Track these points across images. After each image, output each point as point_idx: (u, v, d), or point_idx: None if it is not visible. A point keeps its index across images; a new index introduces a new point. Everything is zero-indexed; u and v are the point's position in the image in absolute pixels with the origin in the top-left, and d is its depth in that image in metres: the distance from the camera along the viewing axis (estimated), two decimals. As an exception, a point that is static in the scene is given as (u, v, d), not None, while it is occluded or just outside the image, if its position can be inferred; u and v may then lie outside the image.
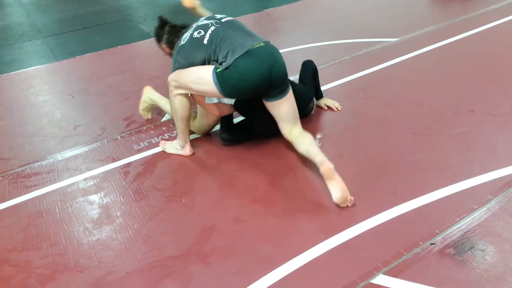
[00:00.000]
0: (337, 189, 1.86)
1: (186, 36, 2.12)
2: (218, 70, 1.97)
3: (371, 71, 3.08)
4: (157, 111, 2.79)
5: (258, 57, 1.96)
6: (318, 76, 2.60)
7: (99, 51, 3.85)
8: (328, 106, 2.63)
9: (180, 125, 2.22)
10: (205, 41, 2.02)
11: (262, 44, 2.02)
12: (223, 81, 1.95)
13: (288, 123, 2.12)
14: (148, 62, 3.62)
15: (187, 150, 2.30)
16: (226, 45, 1.97)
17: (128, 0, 5.46)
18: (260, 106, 2.17)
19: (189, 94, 2.18)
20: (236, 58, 1.93)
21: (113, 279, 1.64)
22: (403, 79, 2.99)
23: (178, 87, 2.10)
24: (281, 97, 2.07)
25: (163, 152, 2.37)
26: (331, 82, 2.95)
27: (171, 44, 2.28)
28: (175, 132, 2.50)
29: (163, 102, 2.56)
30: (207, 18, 2.17)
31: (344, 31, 3.84)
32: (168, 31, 2.29)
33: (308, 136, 2.08)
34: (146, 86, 2.66)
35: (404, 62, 3.19)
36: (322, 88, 2.83)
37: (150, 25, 4.52)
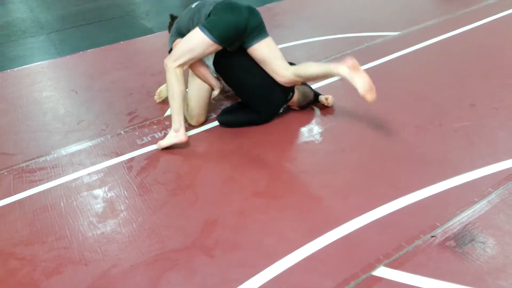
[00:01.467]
0: (364, 80, 2.03)
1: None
2: (203, 23, 2.22)
3: (372, 65, 3.08)
4: (159, 106, 2.80)
5: (235, 4, 2.27)
6: None
7: (102, 47, 3.86)
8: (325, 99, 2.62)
9: (175, 104, 2.26)
10: (193, 6, 2.38)
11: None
12: (210, 26, 2.19)
13: (280, 61, 2.30)
14: (151, 57, 3.63)
15: (181, 134, 2.26)
16: (208, 4, 2.29)
17: (130, -5, 5.46)
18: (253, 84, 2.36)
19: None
20: (217, 4, 2.25)
21: (118, 272, 1.67)
22: (404, 73, 2.99)
23: (173, 60, 2.25)
24: (262, 38, 2.29)
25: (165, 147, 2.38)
26: (333, 76, 2.94)
27: (180, 34, 2.43)
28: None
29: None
30: None
31: (346, 25, 3.83)
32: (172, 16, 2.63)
33: (307, 62, 2.32)
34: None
35: (406, 56, 3.19)
36: (324, 82, 2.84)
37: (153, 21, 4.53)
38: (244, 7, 2.27)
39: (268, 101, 2.42)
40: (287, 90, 2.43)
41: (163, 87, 2.79)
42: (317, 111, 2.62)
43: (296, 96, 2.51)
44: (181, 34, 2.36)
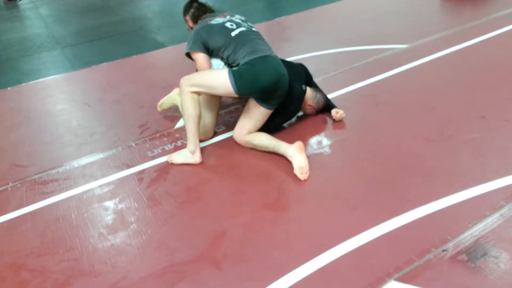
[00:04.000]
0: (302, 162, 2.16)
1: (218, 20, 2.37)
2: (234, 69, 2.21)
3: (381, 77, 3.08)
4: (170, 118, 2.84)
5: (272, 63, 2.25)
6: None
7: (114, 61, 3.94)
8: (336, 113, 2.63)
9: (191, 126, 2.27)
10: (233, 34, 2.30)
11: (276, 57, 2.33)
12: (239, 76, 2.19)
13: (253, 122, 2.37)
14: (162, 71, 3.69)
15: (197, 157, 2.31)
16: (248, 46, 2.26)
17: (143, 10, 5.58)
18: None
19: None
20: (255, 58, 2.21)
21: (127, 284, 1.67)
22: (413, 85, 2.98)
23: (190, 85, 2.25)
24: (274, 107, 2.35)
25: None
26: (342, 89, 2.96)
27: (194, 19, 2.54)
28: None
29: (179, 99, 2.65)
30: (241, 20, 2.43)
31: (354, 38, 3.85)
32: (196, 7, 2.56)
33: (263, 134, 2.39)
34: (176, 88, 2.75)
35: (415, 69, 3.19)
36: (334, 94, 2.85)
37: (164, 35, 4.61)
38: (280, 67, 2.27)
39: (291, 96, 2.45)
40: (300, 83, 2.51)
41: (164, 99, 2.80)
42: (326, 123, 2.62)
43: (309, 91, 2.56)
44: (206, 47, 2.34)
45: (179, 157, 2.34)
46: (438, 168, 2.13)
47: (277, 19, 4.61)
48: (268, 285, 1.60)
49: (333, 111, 2.61)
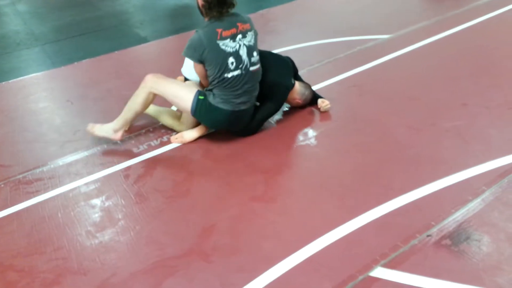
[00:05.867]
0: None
1: (226, 45, 2.22)
2: (200, 97, 2.29)
3: (365, 68, 3.11)
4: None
5: (231, 117, 2.31)
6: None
7: (96, 57, 3.87)
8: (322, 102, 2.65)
9: (129, 116, 2.38)
10: (228, 75, 2.25)
11: (245, 108, 2.33)
12: (200, 108, 2.29)
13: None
14: (145, 66, 3.65)
15: (118, 135, 2.42)
16: (228, 92, 2.27)
17: (124, 5, 5.49)
18: None
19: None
20: (224, 106, 2.28)
21: (117, 280, 1.67)
22: (396, 74, 3.02)
23: (155, 88, 2.30)
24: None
25: (162, 154, 2.40)
26: (326, 80, 2.98)
27: (207, 10, 2.24)
28: (174, 133, 2.53)
29: (150, 110, 2.58)
30: (248, 48, 2.27)
31: (338, 29, 3.87)
32: (215, 2, 2.21)
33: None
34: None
35: (397, 58, 3.22)
36: (318, 86, 2.86)
37: (147, 30, 4.55)
38: (239, 123, 2.38)
39: (280, 85, 2.47)
40: (290, 77, 2.52)
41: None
42: (312, 115, 2.64)
43: (297, 85, 2.56)
44: (202, 62, 2.27)
45: (101, 131, 2.44)
46: (421, 156, 2.18)
47: (261, 12, 4.59)
48: (257, 276, 1.62)
49: (319, 101, 2.63)
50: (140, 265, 1.73)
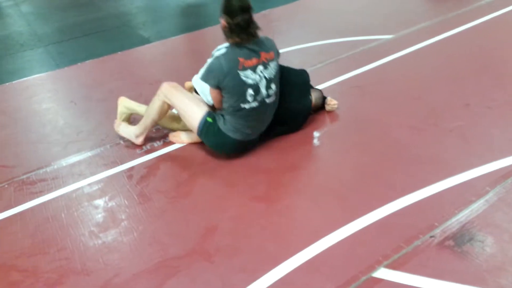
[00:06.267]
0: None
1: (246, 76, 2.10)
2: (208, 119, 2.23)
3: (367, 68, 3.11)
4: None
5: (238, 146, 2.27)
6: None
7: (99, 58, 3.89)
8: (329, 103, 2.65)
9: (148, 123, 2.39)
10: (245, 106, 2.16)
11: (254, 138, 2.31)
12: (207, 130, 2.24)
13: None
14: (148, 67, 3.66)
15: (139, 141, 2.45)
16: (242, 121, 2.20)
17: (127, 6, 5.51)
18: None
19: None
20: (232, 135, 2.21)
21: (120, 281, 1.68)
22: (399, 75, 3.02)
23: (168, 99, 2.29)
24: None
25: (165, 155, 2.40)
26: (329, 80, 2.98)
27: (228, 34, 2.11)
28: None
29: (142, 109, 2.55)
30: (268, 81, 2.17)
31: (340, 30, 3.87)
32: (239, 24, 2.06)
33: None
34: (120, 97, 2.67)
35: (400, 59, 3.22)
36: (321, 86, 2.86)
37: (149, 30, 4.56)
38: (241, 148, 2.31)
39: (303, 110, 2.47)
40: (308, 94, 2.50)
41: (121, 115, 2.65)
42: (313, 115, 2.64)
43: (314, 100, 2.55)
44: (219, 88, 2.14)
45: (125, 132, 2.49)
46: (424, 156, 2.17)
47: (263, 12, 4.60)
48: (260, 276, 1.62)
49: (328, 99, 2.62)
50: (143, 265, 1.73)
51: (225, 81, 2.10)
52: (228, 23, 2.08)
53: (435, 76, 2.94)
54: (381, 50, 3.37)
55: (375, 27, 3.83)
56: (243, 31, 2.08)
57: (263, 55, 2.14)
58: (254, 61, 2.11)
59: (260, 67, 2.13)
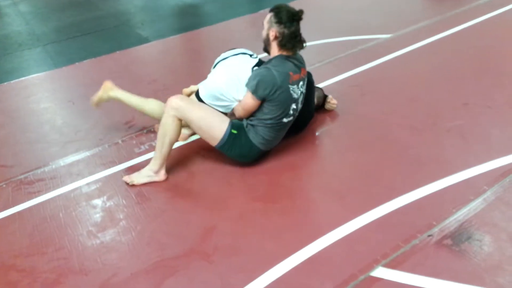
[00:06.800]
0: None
1: (293, 91, 2.08)
2: (233, 131, 2.10)
3: (366, 67, 3.11)
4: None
5: (258, 155, 2.20)
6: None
7: (98, 57, 3.88)
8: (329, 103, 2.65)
9: (165, 149, 2.11)
10: (284, 119, 2.13)
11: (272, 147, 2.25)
12: (231, 141, 2.10)
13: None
14: (146, 66, 3.66)
15: (161, 175, 2.17)
16: (272, 132, 2.13)
17: (125, 5, 5.51)
18: None
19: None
20: (260, 145, 2.14)
21: (118, 280, 1.67)
22: (398, 74, 3.02)
23: (180, 115, 2.08)
24: None
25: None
26: (328, 80, 2.98)
27: (279, 46, 2.07)
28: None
29: (132, 101, 2.48)
30: (302, 97, 2.18)
31: (339, 29, 3.87)
32: (293, 33, 2.05)
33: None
34: (106, 82, 2.56)
35: (399, 58, 3.22)
36: (320, 86, 2.86)
37: (148, 30, 4.56)
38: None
39: (310, 114, 2.47)
40: (313, 101, 2.48)
41: (99, 99, 2.58)
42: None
43: (316, 99, 2.55)
44: (263, 101, 2.06)
45: (141, 177, 2.17)
46: (422, 156, 2.17)
47: (261, 11, 4.59)
48: (258, 275, 1.62)
49: (329, 97, 2.62)
50: (141, 265, 1.73)
51: (276, 94, 2.03)
52: (281, 33, 2.04)
53: (434, 75, 2.94)
54: (380, 49, 3.37)
55: (374, 26, 3.84)
56: (296, 40, 2.06)
57: (303, 70, 2.16)
58: (297, 76, 2.10)
59: (301, 82, 2.14)
